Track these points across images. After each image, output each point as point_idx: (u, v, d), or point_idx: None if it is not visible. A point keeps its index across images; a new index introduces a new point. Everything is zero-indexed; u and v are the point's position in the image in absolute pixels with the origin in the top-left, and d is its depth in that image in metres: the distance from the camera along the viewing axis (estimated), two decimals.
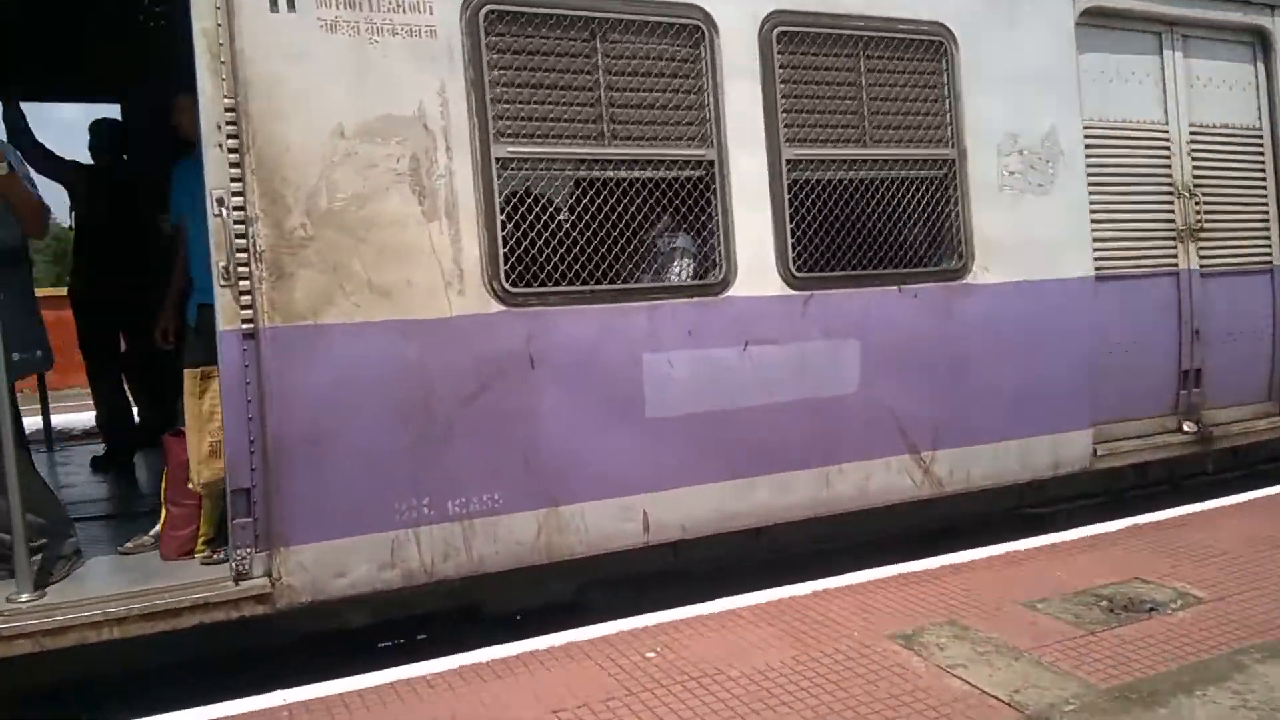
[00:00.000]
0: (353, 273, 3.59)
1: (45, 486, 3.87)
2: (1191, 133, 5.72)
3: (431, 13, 3.73)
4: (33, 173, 3.79)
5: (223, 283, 3.44)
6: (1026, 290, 5.07)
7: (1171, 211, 5.61)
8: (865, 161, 4.72)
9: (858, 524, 4.78)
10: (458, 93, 3.77)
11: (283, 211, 3.47)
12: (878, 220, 4.71)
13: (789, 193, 4.49)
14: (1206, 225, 5.68)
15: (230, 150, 3.42)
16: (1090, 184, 5.28)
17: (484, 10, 3.82)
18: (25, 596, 3.45)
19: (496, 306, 3.84)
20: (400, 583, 3.77)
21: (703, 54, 4.28)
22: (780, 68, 4.46)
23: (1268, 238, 6.01)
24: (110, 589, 3.59)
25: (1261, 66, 6.00)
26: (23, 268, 3.70)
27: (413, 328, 3.70)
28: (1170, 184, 5.62)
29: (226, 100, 3.42)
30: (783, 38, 4.46)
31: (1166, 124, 5.64)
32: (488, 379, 3.83)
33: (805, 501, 4.57)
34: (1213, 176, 5.80)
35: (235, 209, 3.42)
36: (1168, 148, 5.65)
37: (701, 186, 4.31)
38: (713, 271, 4.34)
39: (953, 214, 4.86)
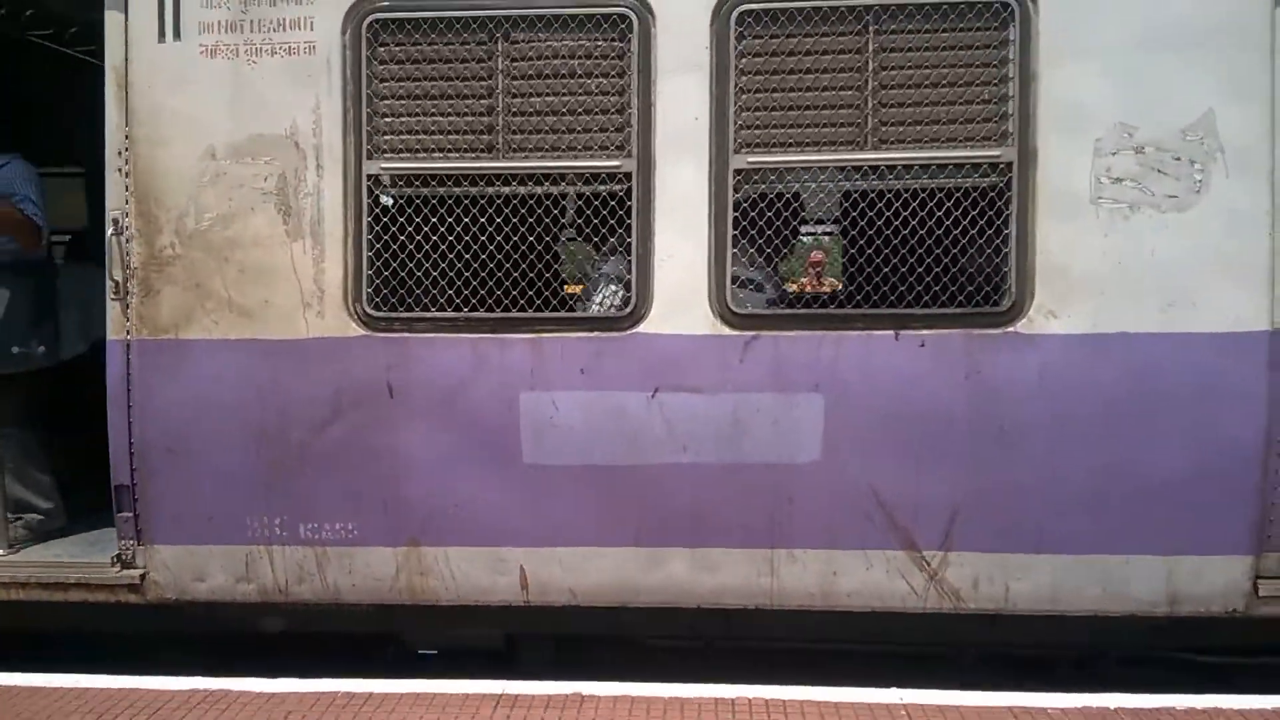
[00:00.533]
0: (213, 291, 3.74)
1: (42, 466, 4.54)
2: None
3: (311, 29, 3.68)
4: (34, 193, 4.59)
5: (113, 296, 3.89)
6: (1130, 346, 3.56)
7: None
8: (862, 169, 3.72)
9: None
10: (333, 109, 3.68)
11: (154, 231, 3.72)
12: (873, 244, 3.67)
13: (736, 210, 3.73)
14: None
15: (126, 175, 3.85)
16: None
17: (368, 21, 3.69)
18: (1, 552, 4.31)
19: (356, 330, 3.77)
20: (258, 597, 3.90)
21: (630, 48, 3.66)
22: (740, 56, 3.67)
23: None
24: (52, 557, 4.21)
25: None
26: (25, 275, 4.53)
27: (269, 348, 3.76)
28: None
29: (126, 129, 3.87)
30: (746, 19, 3.68)
31: None
32: (343, 405, 3.77)
33: (740, 586, 3.77)
34: None
35: (125, 229, 3.86)
36: None
37: (615, 203, 3.75)
38: (622, 302, 3.78)
39: (1002, 236, 3.60)
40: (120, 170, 3.79)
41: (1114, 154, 3.56)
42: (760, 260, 3.89)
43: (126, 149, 3.76)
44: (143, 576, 3.87)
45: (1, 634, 4.20)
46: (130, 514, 3.90)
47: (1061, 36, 3.58)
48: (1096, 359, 3.60)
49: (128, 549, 3.92)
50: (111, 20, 3.80)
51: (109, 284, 3.82)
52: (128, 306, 3.79)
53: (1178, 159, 3.54)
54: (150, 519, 3.86)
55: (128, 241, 3.77)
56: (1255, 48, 3.53)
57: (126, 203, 3.77)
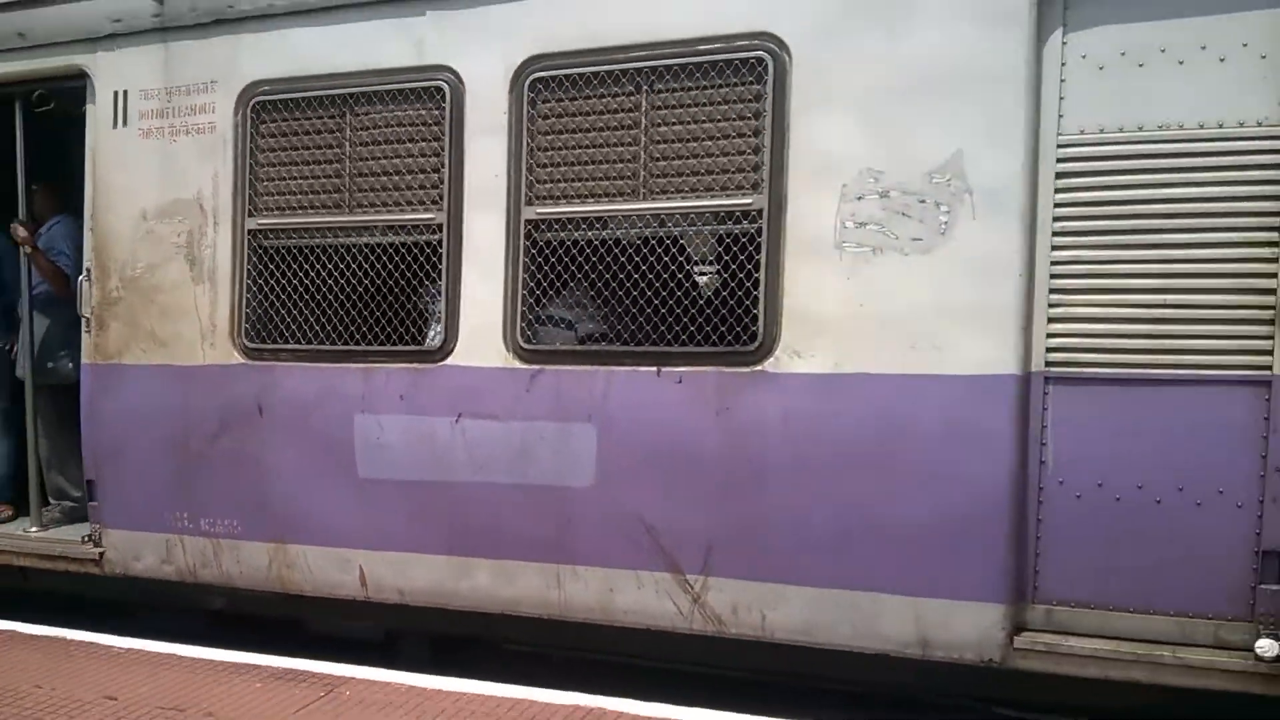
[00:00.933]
0: (142, 325, 4.73)
1: (74, 462, 5.51)
2: None
3: (214, 111, 4.62)
4: (69, 248, 5.82)
5: (85, 330, 4.97)
6: (868, 387, 3.66)
7: (1264, 274, 3.36)
8: (637, 217, 4.02)
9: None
10: (226, 176, 4.56)
11: (106, 278, 4.80)
12: (642, 287, 4.02)
13: (526, 256, 4.14)
14: None
15: (93, 233, 4.92)
16: (1059, 233, 3.54)
17: (252, 103, 4.54)
18: (34, 530, 5.55)
19: (238, 359, 4.58)
20: (176, 577, 4.80)
21: (445, 114, 4.23)
22: (532, 119, 4.12)
23: None
24: (66, 536, 5.36)
25: None
26: (58, 309, 5.71)
27: (178, 372, 4.66)
28: (1267, 224, 3.37)
29: (94, 197, 4.92)
30: (538, 85, 4.11)
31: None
32: (228, 421, 4.58)
33: (534, 598, 4.16)
34: None
35: (91, 277, 4.94)
36: (1277, 163, 3.37)
37: (429, 250, 4.30)
38: (435, 338, 4.33)
39: (750, 280, 3.82)
40: (91, 230, 4.95)
41: (859, 199, 3.68)
42: (559, 301, 4.35)
43: (93, 214, 4.96)
44: (101, 555, 4.95)
45: (30, 590, 5.56)
46: (96, 503, 5.03)
47: (812, 88, 3.75)
48: (838, 399, 3.71)
49: (95, 531, 5.03)
50: (90, 112, 4.94)
51: (82, 319, 5.00)
52: (90, 337, 4.94)
53: (923, 201, 3.61)
54: (105, 508, 4.92)
55: (92, 286, 4.94)
56: (1011, 89, 3.54)
57: (93, 255, 4.95)
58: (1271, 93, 3.34)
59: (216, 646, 4.66)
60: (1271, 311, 3.33)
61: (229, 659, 4.48)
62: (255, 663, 4.46)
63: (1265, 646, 3.31)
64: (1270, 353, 3.32)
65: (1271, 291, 3.33)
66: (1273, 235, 3.33)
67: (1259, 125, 3.35)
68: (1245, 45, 3.36)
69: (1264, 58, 3.34)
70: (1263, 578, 3.36)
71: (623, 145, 4.01)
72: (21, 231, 5.30)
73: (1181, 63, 3.41)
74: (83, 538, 5.04)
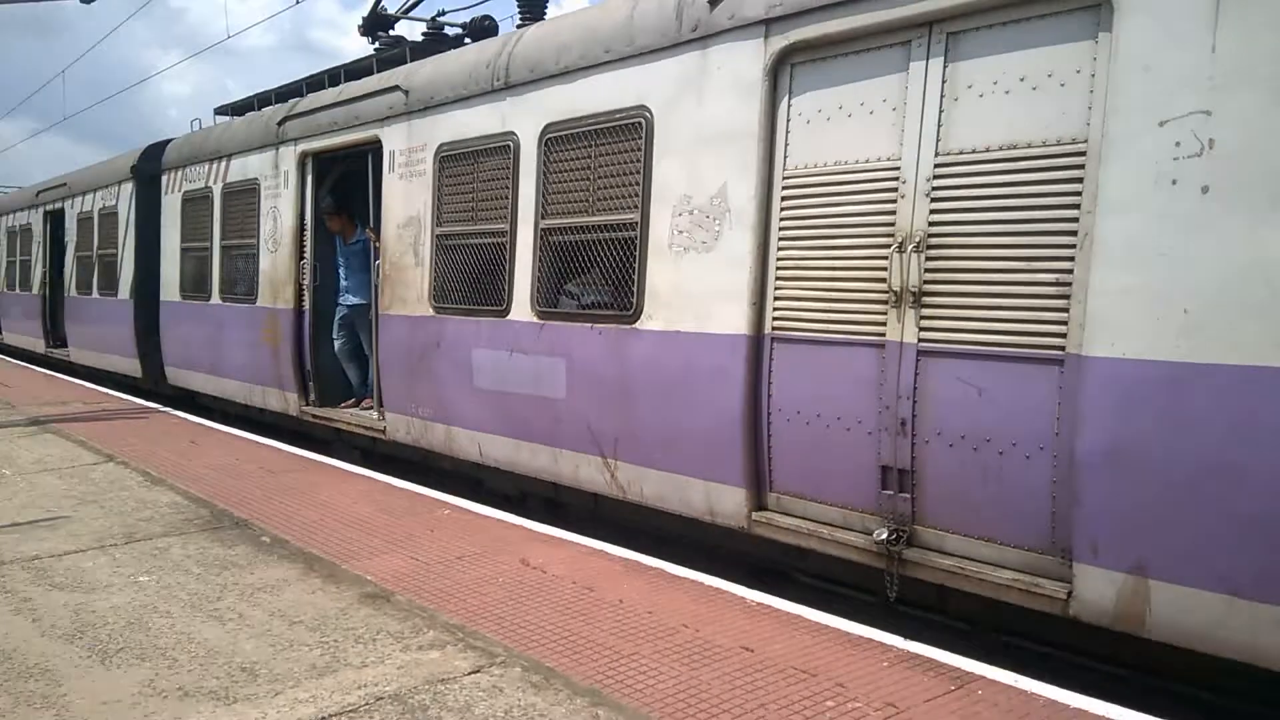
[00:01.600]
0: (396, 291, 8.25)
1: (364, 363, 9.61)
2: (938, 166, 4.65)
3: (425, 162, 7.87)
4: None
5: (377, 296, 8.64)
6: (680, 340, 5.75)
7: (884, 269, 4.84)
8: (587, 227, 6.35)
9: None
10: (429, 201, 7.84)
11: (384, 265, 8.48)
12: (591, 271, 6.51)
13: (541, 252, 6.69)
14: (936, 287, 4.65)
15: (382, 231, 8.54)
16: (781, 239, 5.32)
17: (439, 155, 7.69)
18: (373, 413, 9.39)
19: (430, 312, 7.74)
20: (411, 443, 8.19)
21: (511, 161, 6.97)
22: (546, 163, 6.66)
23: (1064, 309, 4.25)
24: (360, 412, 9.15)
25: (1097, 45, 4.16)
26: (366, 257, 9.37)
27: (408, 319, 8.03)
28: (890, 234, 4.82)
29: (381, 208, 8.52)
30: (550, 142, 6.60)
31: (899, 160, 4.80)
32: (426, 350, 7.82)
33: (545, 468, 6.79)
34: (967, 221, 4.57)
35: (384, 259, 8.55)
36: (894, 189, 4.80)
37: (500, 247, 7.06)
38: (503, 301, 7.13)
39: (633, 269, 6.06)
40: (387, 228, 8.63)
41: (679, 215, 5.74)
42: (570, 282, 6.82)
43: (379, 225, 8.57)
44: (384, 429, 8.60)
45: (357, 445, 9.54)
46: (381, 397, 8.68)
47: (663, 140, 5.87)
48: (666, 347, 5.83)
49: (381, 414, 8.71)
50: (381, 163, 8.60)
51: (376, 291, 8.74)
52: (378, 300, 8.61)
53: (709, 217, 5.57)
54: (385, 400, 8.56)
55: (380, 269, 8.59)
56: (756, 139, 5.36)
57: (378, 250, 8.61)
58: (895, 138, 4.78)
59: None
60: (886, 294, 4.81)
61: (853, 631, 4.63)
62: (880, 640, 4.52)
63: (878, 533, 4.83)
64: (885, 325, 4.83)
65: (885, 280, 4.83)
66: (888, 240, 4.81)
67: (885, 161, 4.86)
68: (884, 100, 4.83)
69: (894, 110, 4.79)
70: (883, 484, 4.87)
71: (583, 179, 6.48)
72: (375, 236, 9.20)
73: (850, 115, 4.98)
74: (378, 414, 8.82)
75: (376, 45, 10.08)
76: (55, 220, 17.71)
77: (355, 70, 9.91)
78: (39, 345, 18.54)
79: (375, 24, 10.05)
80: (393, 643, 4.38)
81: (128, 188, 13.88)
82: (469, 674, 4.07)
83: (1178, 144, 3.85)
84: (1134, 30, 3.98)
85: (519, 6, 8.52)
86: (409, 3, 9.84)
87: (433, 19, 9.59)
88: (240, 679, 4.00)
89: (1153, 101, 3.92)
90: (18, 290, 20.07)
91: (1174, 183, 3.86)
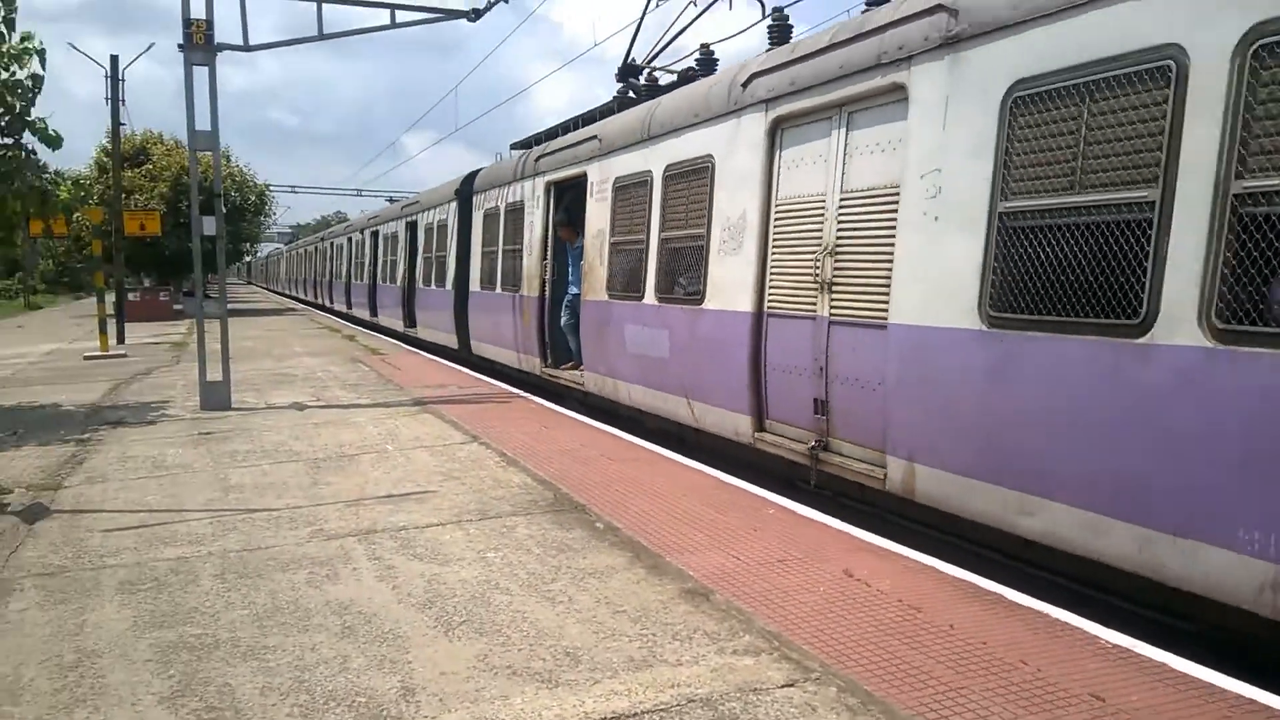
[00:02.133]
0: (590, 283, 11.52)
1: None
2: (842, 199, 7.01)
3: (606, 186, 11.04)
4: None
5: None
6: (719, 315, 8.47)
7: (817, 267, 7.21)
8: (681, 237, 9.28)
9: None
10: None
11: (585, 262, 11.76)
12: (683, 269, 9.28)
13: (659, 254, 9.75)
14: (839, 278, 7.01)
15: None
16: (773, 248, 7.85)
17: (615, 186, 10.05)
18: (579, 372, 12.05)
19: (605, 297, 10.87)
20: (597, 392, 11.42)
21: (646, 191, 10.13)
22: (664, 193, 9.76)
23: (887, 292, 6.45)
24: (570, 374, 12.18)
25: (905, 123, 6.31)
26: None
27: (595, 304, 11.26)
28: (819, 243, 7.21)
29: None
30: (666, 178, 9.72)
31: (825, 195, 7.18)
32: (603, 324, 10.99)
33: (659, 407, 9.80)
34: (852, 237, 6.91)
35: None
36: (823, 215, 7.21)
37: (641, 252, 10.10)
38: (645, 291, 10.05)
39: (703, 267, 8.80)
40: (582, 241, 11.79)
41: (724, 230, 8.47)
42: (675, 277, 9.51)
43: (582, 234, 11.74)
44: (583, 383, 11.84)
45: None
46: (582, 359, 11.85)
47: (719, 179, 8.60)
48: (717, 321, 8.51)
49: (582, 372, 11.87)
50: (587, 186, 11.22)
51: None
52: (581, 288, 11.74)
53: (737, 231, 8.26)
54: (585, 361, 11.82)
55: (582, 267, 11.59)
56: (762, 179, 7.96)
57: (582, 252, 11.85)
58: (824, 180, 7.18)
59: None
60: (817, 283, 7.19)
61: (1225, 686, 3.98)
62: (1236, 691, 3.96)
63: (808, 444, 7.33)
64: (815, 304, 7.24)
65: (816, 274, 7.21)
66: (818, 248, 7.17)
67: (819, 195, 7.26)
68: (820, 155, 7.28)
69: (825, 160, 7.22)
70: (814, 411, 7.33)
71: (682, 204, 9.36)
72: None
73: (807, 163, 7.45)
74: (580, 374, 11.95)
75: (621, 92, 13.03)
76: (411, 229, 22.56)
77: (605, 111, 12.67)
78: (399, 325, 23.45)
79: (626, 72, 12.91)
80: (708, 643, 4.37)
81: (453, 206, 18.11)
82: (782, 687, 3.97)
83: (927, 190, 6.06)
84: (912, 115, 6.24)
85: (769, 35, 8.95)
86: (654, 53, 12.80)
87: (649, 72, 12.55)
88: (564, 664, 4.18)
89: (919, 161, 6.14)
90: (389, 283, 25.37)
91: (924, 214, 6.10)
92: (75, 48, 25.71)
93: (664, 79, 12.14)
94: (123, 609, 4.85)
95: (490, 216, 15.73)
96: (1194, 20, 4.46)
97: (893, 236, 6.26)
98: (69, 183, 11.79)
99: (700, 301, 8.65)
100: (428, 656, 4.27)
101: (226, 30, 16.73)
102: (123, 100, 25.22)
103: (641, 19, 12.40)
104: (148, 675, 4.10)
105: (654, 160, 9.63)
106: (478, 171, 17.38)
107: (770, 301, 7.76)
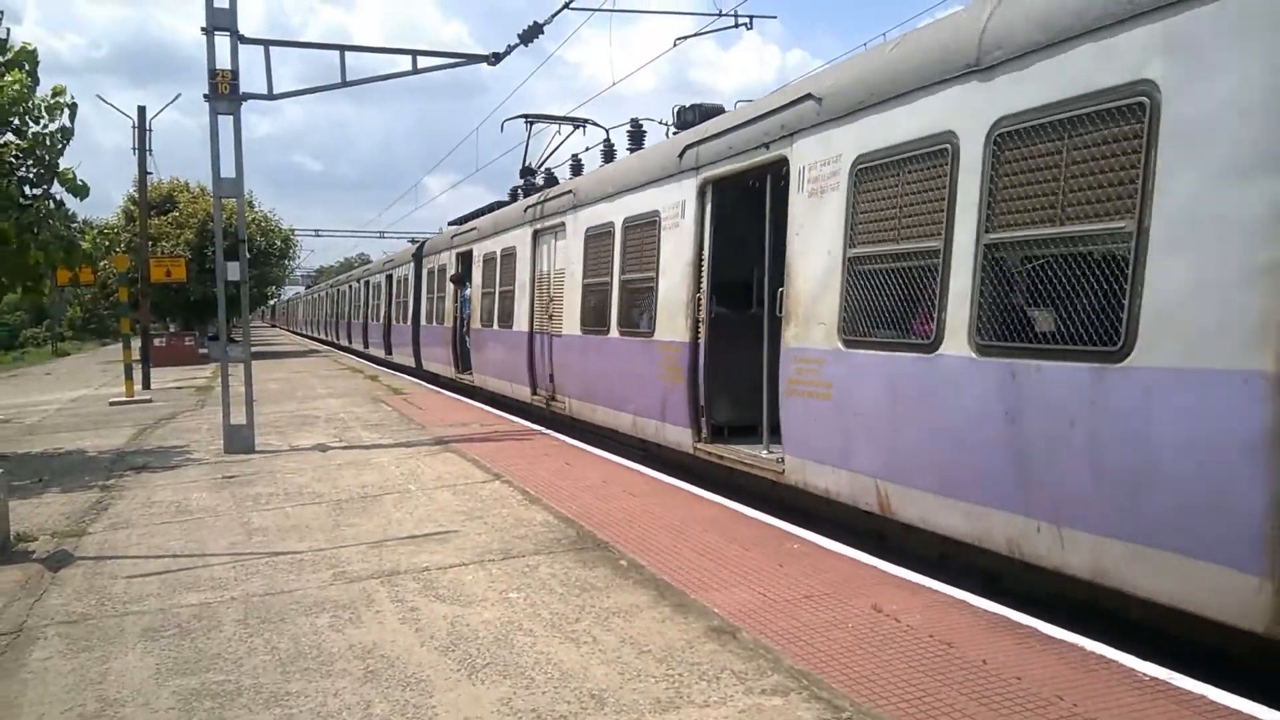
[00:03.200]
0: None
1: None
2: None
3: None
4: None
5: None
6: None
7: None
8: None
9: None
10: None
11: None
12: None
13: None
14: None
15: None
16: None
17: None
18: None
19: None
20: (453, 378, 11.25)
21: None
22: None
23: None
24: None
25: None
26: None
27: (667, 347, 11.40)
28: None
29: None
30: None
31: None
32: (483, 341, 15.30)
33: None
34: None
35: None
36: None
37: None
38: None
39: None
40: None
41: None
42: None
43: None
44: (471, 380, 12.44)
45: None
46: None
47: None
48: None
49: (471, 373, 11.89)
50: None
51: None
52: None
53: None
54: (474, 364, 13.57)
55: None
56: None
57: None
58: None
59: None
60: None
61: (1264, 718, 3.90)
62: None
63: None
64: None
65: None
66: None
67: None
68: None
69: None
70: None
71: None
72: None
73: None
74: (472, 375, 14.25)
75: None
76: (389, 280, 29.53)
77: (507, 202, 17.84)
78: (382, 354, 29.91)
79: (525, 172, 17.24)
80: (736, 683, 4.27)
81: (411, 265, 25.14)
82: None
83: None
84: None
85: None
86: (543, 159, 16.82)
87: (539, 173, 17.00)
88: (589, 706, 4.09)
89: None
90: (375, 321, 32.25)
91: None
92: (104, 100, 25.78)
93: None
94: (145, 656, 4.81)
95: (430, 273, 22.73)
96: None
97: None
98: (95, 231, 11.91)
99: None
100: (451, 701, 4.19)
101: (251, 79, 17.02)
102: (149, 150, 25.58)
103: (527, 141, 17.46)
104: None
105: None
106: (425, 241, 24.76)
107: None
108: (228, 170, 11.25)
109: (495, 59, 13.05)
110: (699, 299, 9.13)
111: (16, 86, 9.83)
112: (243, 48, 11.44)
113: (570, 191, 12.94)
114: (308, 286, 74.27)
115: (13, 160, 10.18)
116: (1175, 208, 4.60)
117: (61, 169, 10.45)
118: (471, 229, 18.39)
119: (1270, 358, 4.15)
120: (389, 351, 28.77)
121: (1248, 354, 4.23)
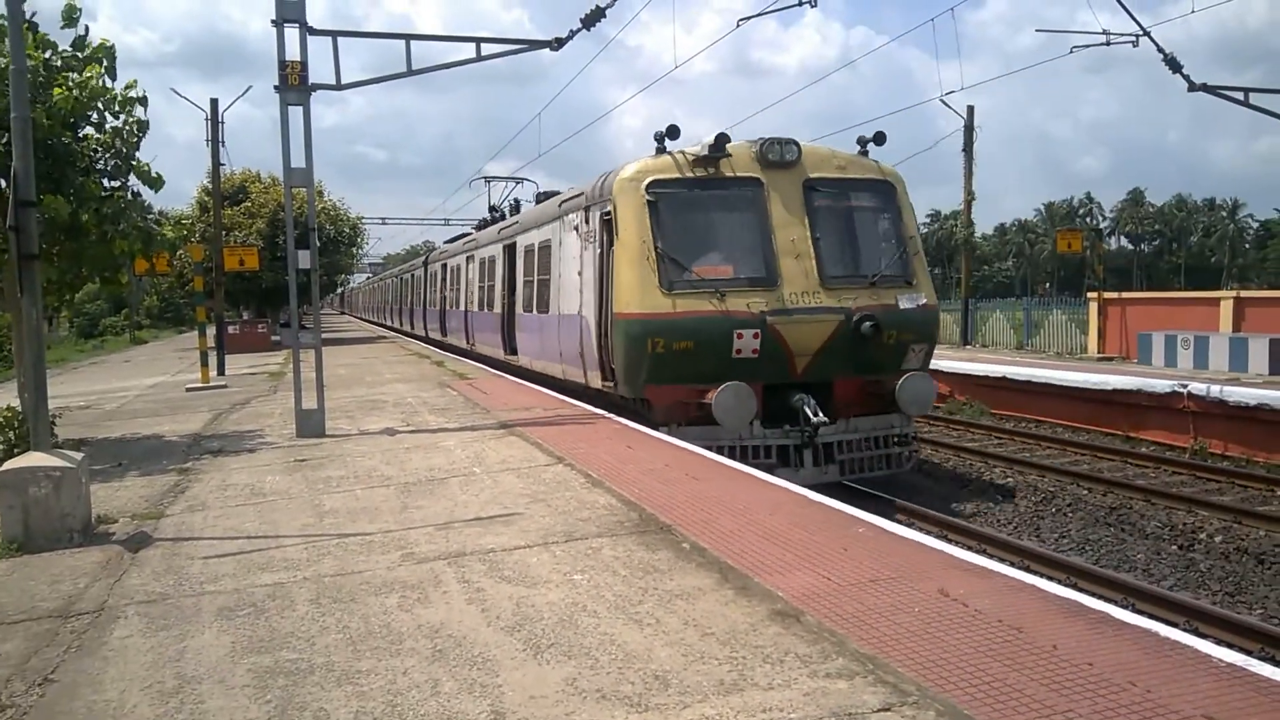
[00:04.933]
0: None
1: None
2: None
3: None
4: None
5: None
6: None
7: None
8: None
9: None
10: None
11: None
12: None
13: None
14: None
15: None
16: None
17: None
18: None
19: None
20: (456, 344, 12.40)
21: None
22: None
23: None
24: None
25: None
26: None
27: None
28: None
29: None
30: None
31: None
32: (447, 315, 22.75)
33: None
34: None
35: None
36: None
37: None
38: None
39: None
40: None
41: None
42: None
43: None
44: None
45: None
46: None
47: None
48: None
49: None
50: None
51: None
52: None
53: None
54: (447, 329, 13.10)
55: None
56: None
57: None
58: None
59: None
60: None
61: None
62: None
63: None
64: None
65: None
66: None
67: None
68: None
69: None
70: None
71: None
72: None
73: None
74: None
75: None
76: (413, 275, 40.14)
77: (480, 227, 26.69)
78: (423, 333, 36.66)
79: (491, 210, 28.00)
80: (800, 666, 4.24)
81: (424, 266, 35.97)
82: (878, 711, 3.82)
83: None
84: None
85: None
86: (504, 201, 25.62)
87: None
88: (653, 687, 4.09)
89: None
90: (417, 308, 39.28)
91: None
92: (178, 93, 26.91)
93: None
94: (221, 635, 4.93)
95: (432, 275, 32.88)
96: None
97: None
98: (172, 222, 12.29)
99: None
100: (517, 680, 4.23)
101: (318, 70, 17.40)
102: (222, 141, 26.14)
103: (489, 192, 28.13)
104: (245, 700, 4.15)
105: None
106: (434, 247, 36.48)
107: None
108: (298, 160, 11.43)
109: (558, 44, 13.03)
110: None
111: (95, 81, 10.09)
112: (310, 39, 11.61)
113: (516, 223, 19.64)
114: (375, 274, 75.90)
115: (92, 154, 10.45)
116: (559, 274, 14.55)
117: (137, 161, 10.71)
118: (472, 241, 25.65)
119: (589, 312, 12.93)
120: (421, 329, 37.17)
121: (580, 311, 13.25)
